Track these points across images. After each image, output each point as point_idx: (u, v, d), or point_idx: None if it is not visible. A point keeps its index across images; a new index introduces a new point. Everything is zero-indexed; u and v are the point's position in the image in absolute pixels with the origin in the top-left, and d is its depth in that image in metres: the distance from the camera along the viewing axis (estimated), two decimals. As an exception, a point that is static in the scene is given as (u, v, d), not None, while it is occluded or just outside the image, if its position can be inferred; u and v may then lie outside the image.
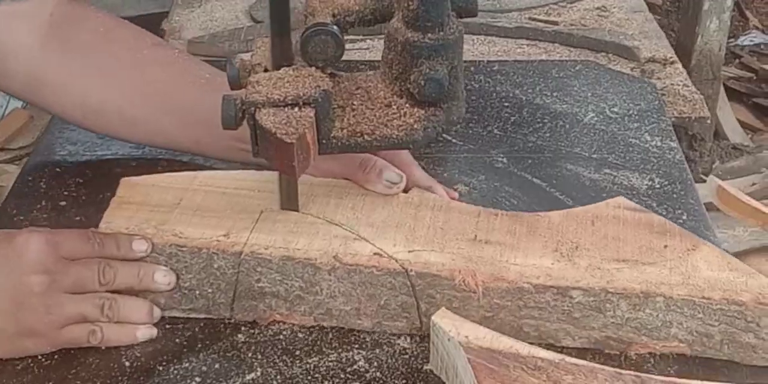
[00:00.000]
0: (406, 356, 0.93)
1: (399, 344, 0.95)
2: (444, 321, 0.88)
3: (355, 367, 0.92)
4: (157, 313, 0.96)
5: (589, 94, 1.36)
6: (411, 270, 0.93)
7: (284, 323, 0.97)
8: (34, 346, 0.92)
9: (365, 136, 0.97)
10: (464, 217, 1.00)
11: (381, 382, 0.90)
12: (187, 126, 1.12)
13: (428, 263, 0.93)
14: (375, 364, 0.92)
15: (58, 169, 1.20)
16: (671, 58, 1.75)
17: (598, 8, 1.87)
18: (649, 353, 0.92)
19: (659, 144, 1.25)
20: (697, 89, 1.83)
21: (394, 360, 0.93)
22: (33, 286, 0.90)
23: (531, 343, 0.88)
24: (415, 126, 0.97)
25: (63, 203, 1.13)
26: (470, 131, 1.28)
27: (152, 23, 2.05)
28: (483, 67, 1.43)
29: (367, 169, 1.04)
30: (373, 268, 0.93)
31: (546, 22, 1.79)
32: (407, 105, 0.98)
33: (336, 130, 0.96)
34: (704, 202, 1.16)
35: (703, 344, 0.91)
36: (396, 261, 0.93)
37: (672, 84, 1.67)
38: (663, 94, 1.58)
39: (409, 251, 0.95)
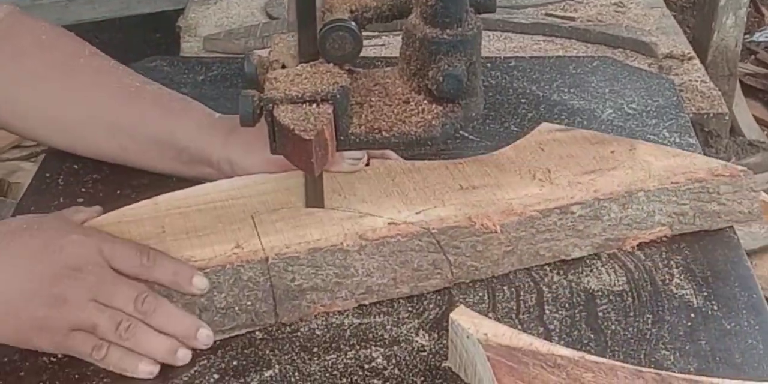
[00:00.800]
0: (425, 353, 0.93)
1: (417, 341, 0.94)
2: (462, 318, 0.88)
3: (373, 364, 0.92)
4: (183, 354, 0.91)
5: (607, 91, 1.35)
6: (432, 228, 0.97)
7: (302, 319, 0.97)
8: (37, 340, 0.90)
9: (383, 133, 0.96)
10: (437, 172, 1.05)
11: (399, 379, 0.90)
12: (113, 133, 1.12)
13: (442, 218, 0.98)
14: (393, 361, 0.92)
15: (75, 166, 1.20)
16: (689, 54, 1.74)
17: (614, 4, 1.86)
18: (639, 244, 1.05)
19: (678, 140, 1.24)
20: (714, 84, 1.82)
21: (412, 357, 0.93)
22: (62, 279, 0.89)
23: (546, 264, 1.02)
24: (433, 122, 0.97)
25: (81, 200, 1.13)
26: (487, 128, 1.27)
27: (168, 20, 2.05)
28: (499, 64, 1.43)
29: None
30: (398, 236, 0.96)
31: (562, 17, 1.78)
32: (425, 101, 0.98)
33: (354, 127, 0.96)
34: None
35: (680, 222, 1.06)
36: (413, 224, 0.97)
37: (690, 80, 1.66)
38: (681, 90, 1.57)
39: (416, 213, 0.98)
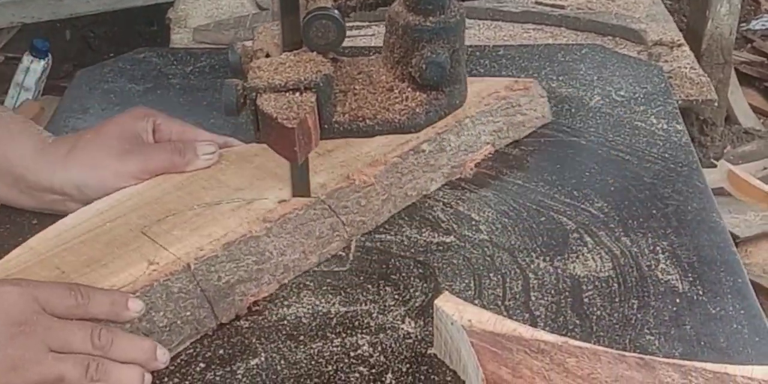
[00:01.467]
0: (410, 340, 0.93)
1: (403, 328, 0.95)
2: (447, 305, 0.88)
3: (359, 351, 0.92)
4: (148, 379, 0.88)
5: (595, 78, 1.35)
6: (321, 194, 1.02)
7: (288, 308, 0.97)
8: None
9: (367, 121, 0.97)
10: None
11: (385, 366, 0.90)
12: None
13: (324, 184, 1.03)
14: (379, 348, 0.92)
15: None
16: (678, 40, 1.74)
17: (605, -9, 1.86)
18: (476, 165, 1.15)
19: (665, 127, 1.24)
20: (707, 73, 1.81)
21: (397, 344, 0.93)
22: (11, 339, 0.82)
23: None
24: (417, 110, 0.97)
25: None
26: (475, 116, 1.27)
27: (162, 13, 2.05)
28: (488, 52, 1.42)
29: (182, 153, 1.06)
30: (296, 211, 0.99)
31: (552, 5, 1.78)
32: (409, 89, 0.98)
33: (338, 115, 0.96)
34: (715, 187, 1.16)
35: (499, 138, 1.17)
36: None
37: (679, 67, 1.65)
38: (670, 77, 1.57)
39: None
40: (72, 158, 1.03)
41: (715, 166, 2.11)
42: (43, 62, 2.75)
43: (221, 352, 0.92)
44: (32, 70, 2.74)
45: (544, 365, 0.82)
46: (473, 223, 1.09)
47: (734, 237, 2.03)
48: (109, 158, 1.01)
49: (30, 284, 0.86)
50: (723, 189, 1.85)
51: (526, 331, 0.85)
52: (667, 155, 1.18)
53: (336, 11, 0.96)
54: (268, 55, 0.99)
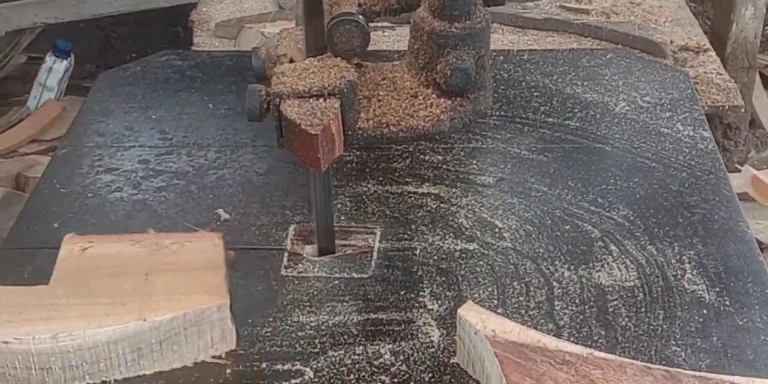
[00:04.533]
0: (433, 349, 0.92)
1: (425, 337, 0.94)
2: (470, 314, 0.87)
3: (381, 360, 0.91)
4: None
5: (621, 83, 1.34)
6: None
7: (309, 315, 0.96)
8: None
9: (391, 127, 0.96)
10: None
11: (407, 375, 0.89)
12: None
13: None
14: (401, 357, 0.91)
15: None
16: (704, 45, 1.72)
17: (629, -6, 1.85)
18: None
19: (692, 134, 1.22)
20: (732, 77, 1.79)
21: (420, 353, 0.92)
22: None
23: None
24: (442, 117, 0.96)
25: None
26: (498, 121, 1.26)
27: (185, 14, 2.05)
28: (512, 57, 1.41)
29: None
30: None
31: (577, 10, 1.76)
32: (434, 95, 0.97)
33: (362, 121, 0.95)
34: (739, 192, 1.14)
35: None
36: None
37: (705, 72, 1.64)
38: (696, 83, 1.56)
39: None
40: None
41: (739, 170, 2.09)
42: (65, 62, 2.75)
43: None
44: (55, 70, 2.75)
45: (569, 377, 0.81)
46: (496, 230, 1.08)
47: (759, 243, 2.00)
48: None
49: None
50: (747, 194, 1.83)
51: (550, 342, 0.84)
52: (693, 162, 1.17)
53: (360, 16, 0.95)
54: (291, 60, 0.98)
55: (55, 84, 2.76)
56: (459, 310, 0.88)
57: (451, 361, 0.91)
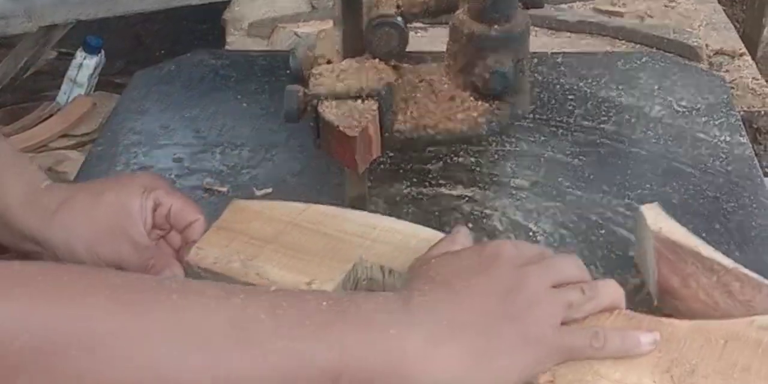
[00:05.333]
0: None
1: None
2: (649, 212, 0.93)
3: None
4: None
5: (656, 87, 1.33)
6: None
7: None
8: (534, 355, 0.77)
9: (428, 130, 0.96)
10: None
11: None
12: None
13: None
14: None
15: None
16: (740, 50, 1.71)
17: (664, -3, 1.83)
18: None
19: (728, 139, 1.22)
20: (766, 82, 1.78)
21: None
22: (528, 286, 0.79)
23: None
24: (479, 120, 0.96)
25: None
26: (533, 124, 1.26)
27: (215, 12, 2.05)
28: (547, 59, 1.41)
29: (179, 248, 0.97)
30: None
31: (611, 13, 1.76)
32: (471, 98, 0.97)
33: (399, 123, 0.96)
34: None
35: None
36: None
37: (741, 77, 1.63)
38: (731, 87, 1.54)
39: None
40: (60, 219, 0.94)
41: (770, 175, 2.07)
42: (95, 58, 2.77)
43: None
44: (85, 66, 2.77)
45: (711, 282, 0.87)
46: (531, 233, 1.07)
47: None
48: (98, 236, 0.93)
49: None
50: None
51: (705, 249, 0.89)
52: (730, 168, 1.16)
53: (399, 18, 0.95)
54: (329, 62, 0.99)
55: (85, 80, 2.78)
56: (642, 207, 0.94)
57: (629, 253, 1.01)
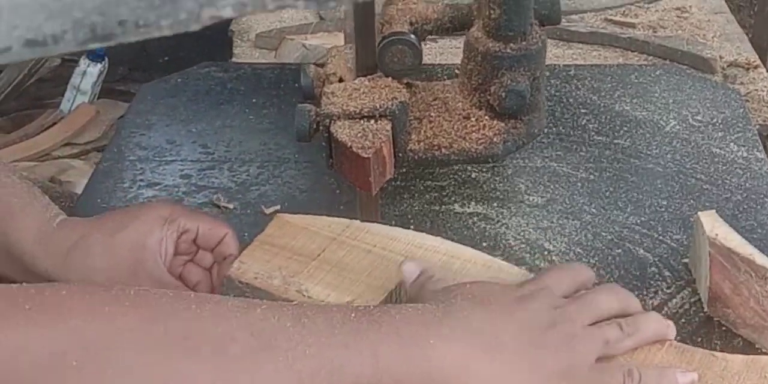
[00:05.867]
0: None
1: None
2: (706, 219, 0.94)
3: None
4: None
5: (671, 101, 1.31)
6: None
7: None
8: None
9: (443, 150, 0.94)
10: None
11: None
12: None
13: None
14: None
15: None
16: (755, 62, 1.69)
17: (677, 9, 1.80)
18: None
19: (745, 155, 1.19)
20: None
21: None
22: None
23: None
24: (495, 139, 0.94)
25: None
26: (546, 139, 1.24)
27: (221, 25, 2.03)
28: (558, 72, 1.39)
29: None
30: None
31: (623, 24, 1.73)
32: (486, 117, 0.95)
33: (413, 143, 0.94)
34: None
35: None
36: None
37: (756, 90, 1.60)
38: (746, 101, 1.52)
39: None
40: (75, 261, 0.91)
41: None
42: (99, 66, 2.75)
43: None
44: (89, 73, 2.75)
45: (762, 291, 0.88)
46: (545, 252, 1.05)
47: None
48: (117, 277, 0.90)
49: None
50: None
51: (759, 257, 0.89)
52: (748, 185, 1.14)
53: (412, 36, 0.93)
54: (341, 79, 0.97)
55: (89, 87, 2.76)
56: (699, 213, 0.95)
57: (683, 260, 1.02)
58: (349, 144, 0.88)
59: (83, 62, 2.74)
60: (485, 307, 0.76)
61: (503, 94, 0.92)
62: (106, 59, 2.77)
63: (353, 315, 0.73)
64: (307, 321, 0.71)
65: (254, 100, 1.35)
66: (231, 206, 1.14)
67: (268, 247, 0.93)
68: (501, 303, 0.77)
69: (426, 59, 1.29)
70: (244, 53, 1.72)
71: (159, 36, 0.33)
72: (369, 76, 0.94)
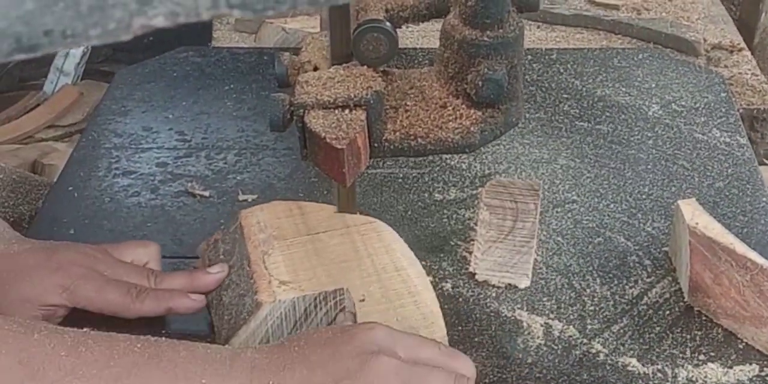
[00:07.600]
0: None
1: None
2: (686, 207, 0.93)
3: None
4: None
5: (653, 85, 1.30)
6: None
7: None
8: None
9: (419, 140, 0.92)
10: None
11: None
12: None
13: None
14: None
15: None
16: (739, 44, 1.67)
17: (662, -10, 1.79)
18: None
19: (728, 140, 1.18)
20: (760, 68, 1.73)
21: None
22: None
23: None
24: (472, 128, 0.92)
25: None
26: (528, 125, 1.22)
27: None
28: (540, 56, 1.37)
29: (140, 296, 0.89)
30: None
31: (606, 5, 1.71)
32: (463, 106, 0.93)
33: (388, 133, 0.92)
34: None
35: None
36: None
37: (740, 73, 1.59)
38: (730, 84, 1.51)
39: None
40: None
41: (766, 164, 2.04)
42: (82, 47, 2.73)
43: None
44: (71, 55, 2.72)
45: (743, 280, 0.88)
46: (525, 241, 1.04)
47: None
48: (41, 293, 0.86)
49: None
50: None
51: (740, 247, 0.89)
52: (730, 171, 1.13)
53: (388, 23, 0.91)
54: (316, 68, 0.95)
55: (72, 69, 2.73)
56: (679, 202, 0.94)
57: (663, 249, 1.01)
58: (323, 135, 0.86)
59: (66, 43, 2.72)
60: (304, 357, 0.75)
61: (480, 83, 0.90)
62: (89, 40, 2.74)
63: (139, 346, 0.72)
64: (85, 350, 0.69)
65: (232, 86, 1.33)
66: (207, 194, 1.13)
67: (293, 208, 0.97)
68: (311, 347, 0.75)
69: (407, 43, 1.27)
70: (224, 37, 1.70)
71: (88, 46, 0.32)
72: (344, 65, 0.92)
